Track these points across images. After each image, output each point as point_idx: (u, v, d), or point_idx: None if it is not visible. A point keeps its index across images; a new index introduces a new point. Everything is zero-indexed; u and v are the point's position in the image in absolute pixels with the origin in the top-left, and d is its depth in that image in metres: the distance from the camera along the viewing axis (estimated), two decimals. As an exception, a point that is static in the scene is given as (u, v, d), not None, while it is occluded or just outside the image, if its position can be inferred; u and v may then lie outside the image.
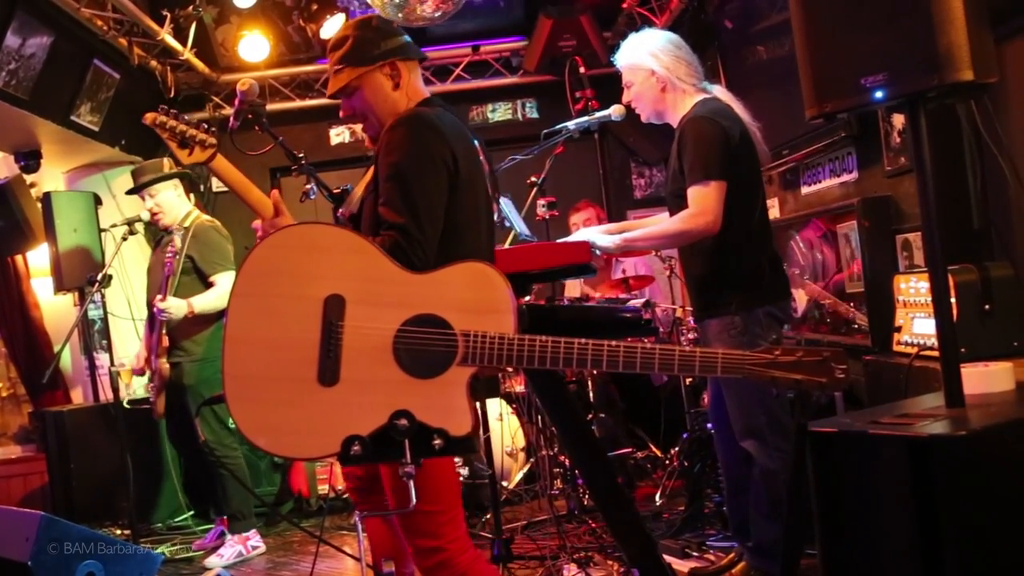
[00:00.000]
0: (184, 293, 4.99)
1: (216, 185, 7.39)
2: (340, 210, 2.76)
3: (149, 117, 2.58)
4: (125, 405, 5.82)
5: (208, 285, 5.09)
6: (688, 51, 3.57)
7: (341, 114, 2.75)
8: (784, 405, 3.39)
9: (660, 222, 3.53)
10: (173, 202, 5.23)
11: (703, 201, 3.30)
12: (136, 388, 6.47)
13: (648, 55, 3.53)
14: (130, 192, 5.33)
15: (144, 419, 5.72)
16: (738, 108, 3.49)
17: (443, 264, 2.31)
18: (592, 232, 3.51)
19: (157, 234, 5.63)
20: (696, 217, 3.31)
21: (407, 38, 2.71)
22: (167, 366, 4.98)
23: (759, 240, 3.47)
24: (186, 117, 2.61)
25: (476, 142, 2.69)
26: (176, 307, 4.93)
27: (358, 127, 7.53)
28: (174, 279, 4.98)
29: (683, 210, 3.39)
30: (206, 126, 2.61)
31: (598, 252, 3.42)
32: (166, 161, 5.27)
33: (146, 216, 5.22)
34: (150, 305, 5.12)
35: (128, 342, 6.64)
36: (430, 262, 2.35)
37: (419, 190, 2.40)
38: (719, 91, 3.58)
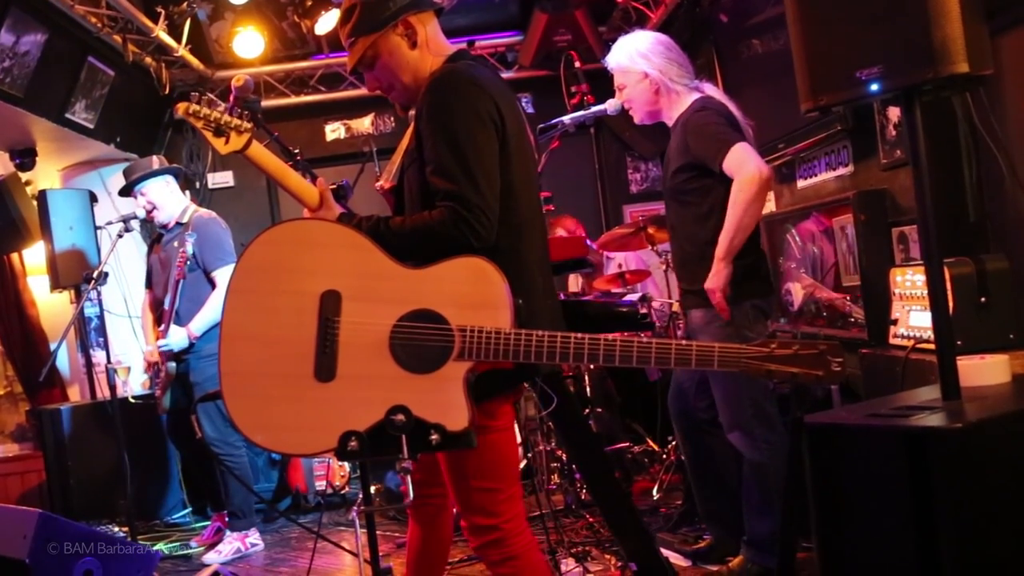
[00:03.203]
0: (189, 289, 4.99)
1: (212, 182, 7.39)
2: (378, 183, 2.63)
3: (182, 107, 2.43)
4: (131, 400, 5.82)
5: (211, 279, 5.07)
6: (678, 51, 3.59)
7: (368, 88, 2.61)
8: (770, 396, 3.44)
9: (727, 216, 3.36)
10: (167, 198, 5.19)
11: (739, 159, 3.28)
12: (133, 385, 6.47)
13: (640, 58, 3.55)
14: (122, 193, 5.30)
15: (141, 415, 5.73)
16: (731, 106, 3.52)
17: (507, 233, 2.29)
18: (713, 282, 3.36)
19: (152, 230, 5.63)
20: (744, 178, 3.26)
21: None
22: (173, 365, 4.99)
23: (753, 236, 3.50)
24: (219, 103, 2.47)
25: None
26: (177, 340, 4.94)
27: (353, 123, 7.53)
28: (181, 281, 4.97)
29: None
30: (239, 110, 2.48)
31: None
32: (155, 159, 5.25)
33: (141, 214, 5.19)
34: (160, 303, 5.13)
35: (125, 339, 6.63)
36: (495, 227, 2.29)
37: (471, 150, 2.28)
38: (711, 89, 3.61)
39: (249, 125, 2.46)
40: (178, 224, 5.20)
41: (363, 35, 2.48)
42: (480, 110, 2.31)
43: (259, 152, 2.48)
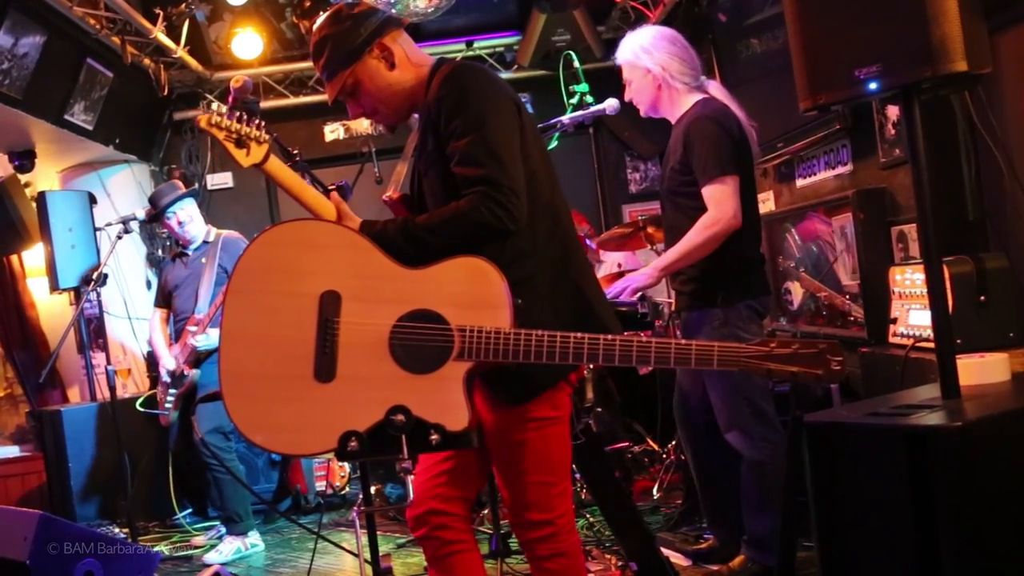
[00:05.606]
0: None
1: (211, 183, 7.38)
2: (385, 194, 2.58)
3: (203, 119, 2.39)
4: (138, 409, 5.81)
5: None
6: (683, 46, 3.58)
7: (351, 116, 2.58)
8: (766, 394, 3.44)
9: (684, 238, 3.43)
10: (198, 215, 5.35)
11: (721, 196, 3.33)
12: (132, 387, 6.46)
13: (643, 53, 3.56)
14: (154, 217, 5.35)
15: (141, 416, 5.73)
16: (734, 106, 3.51)
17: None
18: (631, 278, 3.52)
19: (160, 248, 5.64)
20: (717, 219, 3.33)
21: (381, 10, 2.51)
22: (196, 372, 5.02)
23: (752, 237, 3.51)
24: (238, 113, 2.41)
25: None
26: (214, 341, 4.98)
27: (352, 123, 7.53)
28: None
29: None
30: (258, 120, 2.42)
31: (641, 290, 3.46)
32: (178, 181, 5.36)
33: (140, 215, 5.26)
34: (181, 315, 5.22)
35: (125, 340, 6.63)
36: (525, 209, 2.25)
37: (494, 135, 2.24)
38: (715, 88, 3.60)
39: (268, 136, 2.42)
40: (204, 243, 5.32)
41: (340, 69, 2.44)
42: (498, 97, 2.31)
43: (277, 167, 2.46)
